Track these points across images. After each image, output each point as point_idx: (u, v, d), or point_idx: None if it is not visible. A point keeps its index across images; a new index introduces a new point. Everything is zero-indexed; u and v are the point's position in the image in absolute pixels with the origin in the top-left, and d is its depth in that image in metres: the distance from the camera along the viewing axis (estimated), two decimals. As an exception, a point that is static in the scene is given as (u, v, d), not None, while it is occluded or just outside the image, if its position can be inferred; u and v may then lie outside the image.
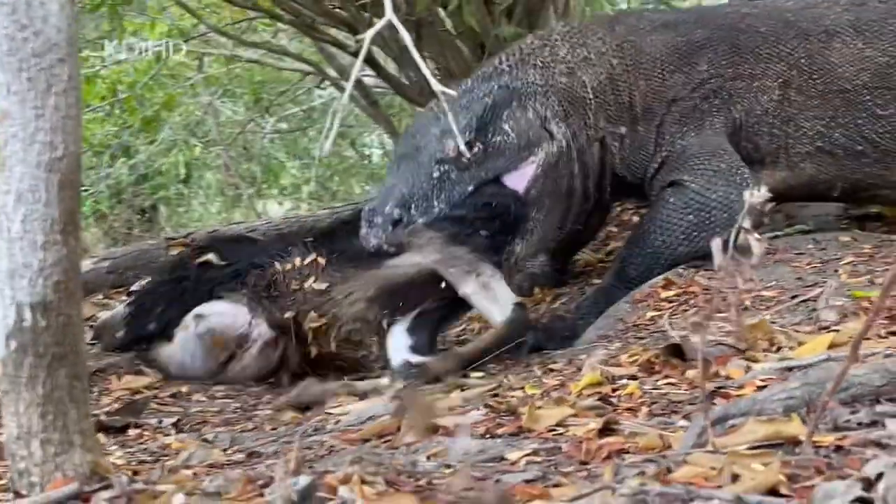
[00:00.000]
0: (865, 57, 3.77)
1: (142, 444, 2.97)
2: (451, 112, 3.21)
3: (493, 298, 3.36)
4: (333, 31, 5.35)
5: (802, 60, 3.80)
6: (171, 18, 6.72)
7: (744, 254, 1.59)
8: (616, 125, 3.80)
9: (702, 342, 1.51)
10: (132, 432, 3.12)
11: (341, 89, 6.15)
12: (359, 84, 5.89)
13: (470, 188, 3.54)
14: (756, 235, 1.53)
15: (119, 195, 8.30)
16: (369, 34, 1.60)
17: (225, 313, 3.64)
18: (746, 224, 1.55)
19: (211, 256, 3.84)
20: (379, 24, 1.60)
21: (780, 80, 3.79)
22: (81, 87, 1.60)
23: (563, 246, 4.33)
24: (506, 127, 3.61)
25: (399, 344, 3.37)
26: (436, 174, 3.52)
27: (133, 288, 4.12)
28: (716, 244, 1.56)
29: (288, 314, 3.51)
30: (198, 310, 3.62)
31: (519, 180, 3.60)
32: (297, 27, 5.19)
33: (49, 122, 1.61)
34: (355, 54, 4.89)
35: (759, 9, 3.99)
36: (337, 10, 4.68)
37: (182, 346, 3.64)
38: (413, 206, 3.48)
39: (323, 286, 3.46)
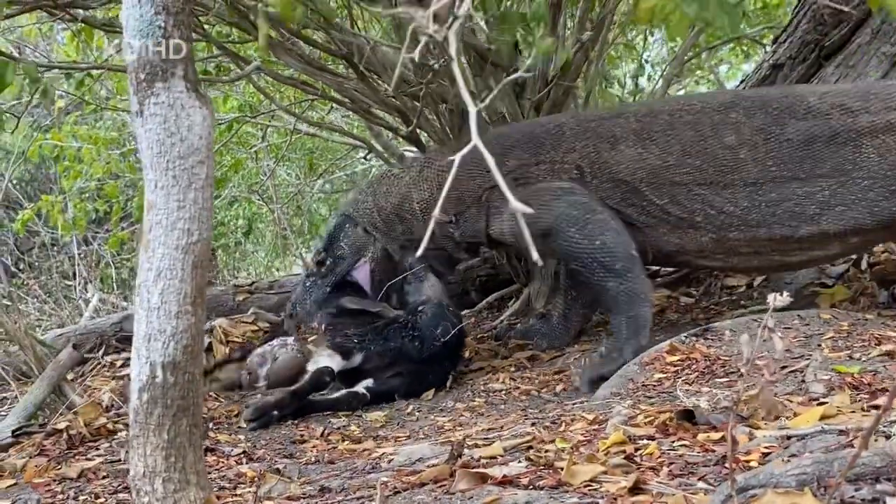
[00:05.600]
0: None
1: (219, 470, 3.01)
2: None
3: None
4: (384, 115, 5.46)
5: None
6: (241, 95, 6.85)
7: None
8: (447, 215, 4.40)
9: (733, 422, 1.55)
10: (210, 458, 3.17)
11: (386, 160, 6.26)
12: (402, 159, 6.00)
13: (328, 288, 4.54)
14: (779, 334, 1.58)
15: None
16: (459, 156, 1.66)
17: None
18: (770, 323, 1.60)
19: None
20: (466, 147, 1.66)
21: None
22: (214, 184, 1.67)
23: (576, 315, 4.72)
24: (342, 244, 4.55)
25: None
26: (307, 283, 4.62)
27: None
28: (744, 339, 1.61)
29: None
30: None
31: (361, 274, 4.53)
32: (355, 112, 5.29)
33: (188, 212, 1.68)
34: (406, 137, 5.01)
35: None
36: (391, 98, 4.78)
37: None
38: (297, 306, 4.62)
39: None
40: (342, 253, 4.56)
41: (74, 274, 8.16)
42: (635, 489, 1.92)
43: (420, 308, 4.38)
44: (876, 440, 1.88)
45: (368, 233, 4.54)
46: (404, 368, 4.20)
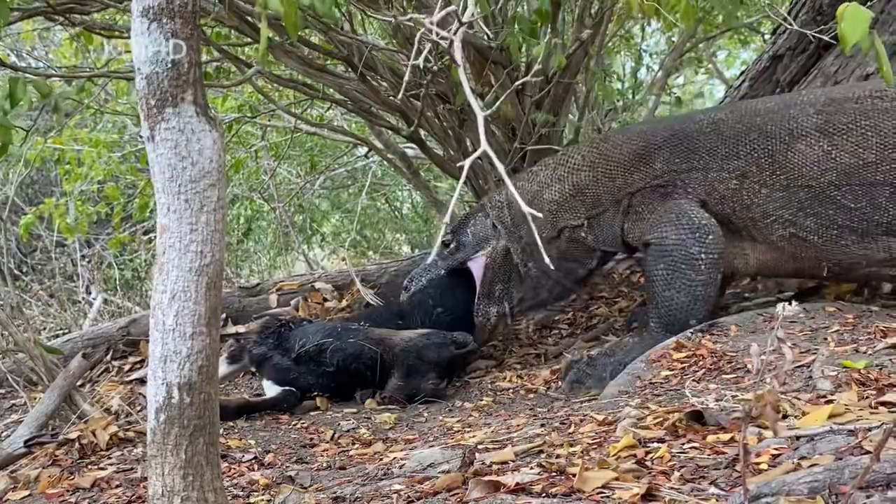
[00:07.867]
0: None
1: (231, 477, 3.02)
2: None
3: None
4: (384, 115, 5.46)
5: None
6: (240, 94, 6.84)
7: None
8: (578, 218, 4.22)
9: (744, 432, 1.57)
10: (221, 464, 3.18)
11: (386, 158, 6.26)
12: (403, 156, 6.01)
13: (442, 272, 4.61)
14: (789, 344, 1.60)
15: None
16: (468, 162, 1.68)
17: None
18: (780, 333, 1.62)
19: None
20: (475, 154, 1.68)
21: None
22: (227, 206, 1.68)
23: None
24: (469, 231, 4.51)
25: None
26: (429, 260, 4.74)
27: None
28: (754, 349, 1.62)
29: None
30: None
31: (476, 266, 4.43)
32: (356, 112, 5.29)
33: (200, 235, 1.70)
34: (408, 138, 5.02)
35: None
36: (391, 98, 4.78)
37: None
38: (413, 281, 4.67)
39: None
40: (466, 240, 4.52)
41: (76, 275, 8.18)
42: (648, 496, 1.94)
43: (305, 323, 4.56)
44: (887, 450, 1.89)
45: (496, 227, 4.42)
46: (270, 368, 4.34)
